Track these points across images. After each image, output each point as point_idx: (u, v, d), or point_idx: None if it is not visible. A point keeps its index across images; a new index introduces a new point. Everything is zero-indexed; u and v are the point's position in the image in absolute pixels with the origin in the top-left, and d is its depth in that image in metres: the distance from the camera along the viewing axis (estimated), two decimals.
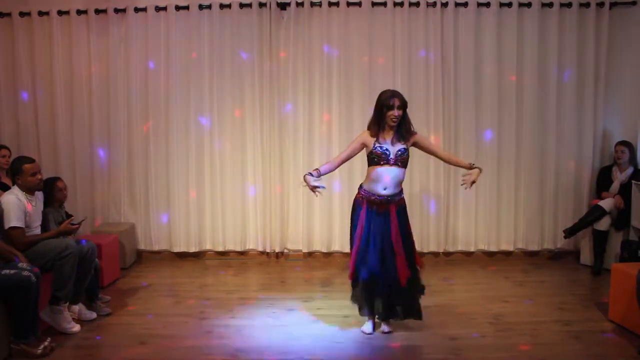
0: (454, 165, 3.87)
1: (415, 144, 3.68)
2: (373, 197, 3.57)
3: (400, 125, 3.57)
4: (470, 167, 3.67)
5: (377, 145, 3.54)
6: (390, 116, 3.50)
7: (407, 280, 3.59)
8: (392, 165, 3.53)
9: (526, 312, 4.18)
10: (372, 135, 3.59)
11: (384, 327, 3.77)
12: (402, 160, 3.56)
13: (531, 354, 3.46)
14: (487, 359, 3.41)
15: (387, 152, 3.53)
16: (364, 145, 3.62)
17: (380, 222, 3.58)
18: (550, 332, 3.79)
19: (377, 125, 3.58)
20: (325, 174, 3.61)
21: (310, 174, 3.52)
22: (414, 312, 3.72)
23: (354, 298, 3.74)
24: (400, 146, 3.56)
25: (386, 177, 3.53)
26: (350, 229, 3.74)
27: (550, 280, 4.99)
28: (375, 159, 3.54)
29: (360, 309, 3.74)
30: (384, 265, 3.58)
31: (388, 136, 3.57)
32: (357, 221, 3.65)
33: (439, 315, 4.11)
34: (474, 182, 3.61)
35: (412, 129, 3.64)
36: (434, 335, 3.73)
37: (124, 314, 4.22)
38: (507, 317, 4.06)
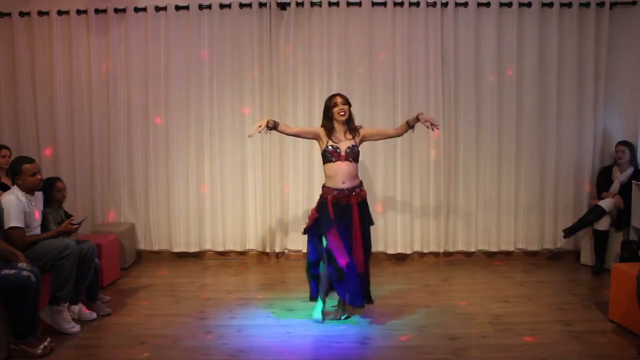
0: (401, 133, 4.07)
1: (364, 138, 3.98)
2: (335, 192, 3.84)
3: (349, 121, 3.91)
4: (409, 125, 3.95)
5: (329, 144, 3.87)
6: (337, 111, 3.86)
7: (363, 266, 3.90)
8: (344, 160, 3.84)
9: (526, 312, 4.18)
10: (326, 135, 3.90)
11: (339, 314, 4.04)
12: (352, 156, 3.87)
13: (531, 354, 3.45)
14: (487, 359, 3.42)
15: (338, 150, 3.85)
16: (316, 136, 3.94)
17: (344, 214, 3.83)
18: (550, 332, 3.79)
19: (329, 124, 3.90)
20: (279, 131, 3.92)
21: (268, 125, 3.82)
22: (369, 297, 4.06)
23: (313, 278, 4.05)
24: (350, 143, 3.88)
25: (341, 172, 3.84)
26: (315, 218, 3.92)
27: (550, 280, 4.99)
28: (329, 156, 3.86)
29: (318, 293, 4.03)
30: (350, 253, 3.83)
31: (340, 134, 3.90)
32: (326, 209, 3.86)
33: (439, 315, 4.11)
34: (430, 121, 3.89)
35: (355, 124, 3.96)
36: (434, 335, 3.73)
37: (124, 314, 4.22)
38: (507, 317, 4.06)
